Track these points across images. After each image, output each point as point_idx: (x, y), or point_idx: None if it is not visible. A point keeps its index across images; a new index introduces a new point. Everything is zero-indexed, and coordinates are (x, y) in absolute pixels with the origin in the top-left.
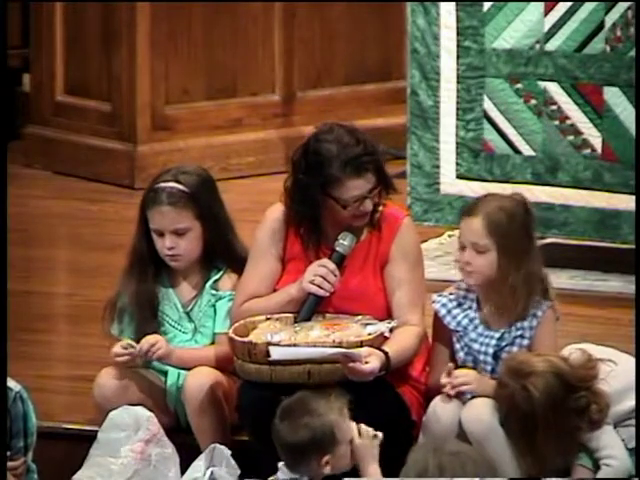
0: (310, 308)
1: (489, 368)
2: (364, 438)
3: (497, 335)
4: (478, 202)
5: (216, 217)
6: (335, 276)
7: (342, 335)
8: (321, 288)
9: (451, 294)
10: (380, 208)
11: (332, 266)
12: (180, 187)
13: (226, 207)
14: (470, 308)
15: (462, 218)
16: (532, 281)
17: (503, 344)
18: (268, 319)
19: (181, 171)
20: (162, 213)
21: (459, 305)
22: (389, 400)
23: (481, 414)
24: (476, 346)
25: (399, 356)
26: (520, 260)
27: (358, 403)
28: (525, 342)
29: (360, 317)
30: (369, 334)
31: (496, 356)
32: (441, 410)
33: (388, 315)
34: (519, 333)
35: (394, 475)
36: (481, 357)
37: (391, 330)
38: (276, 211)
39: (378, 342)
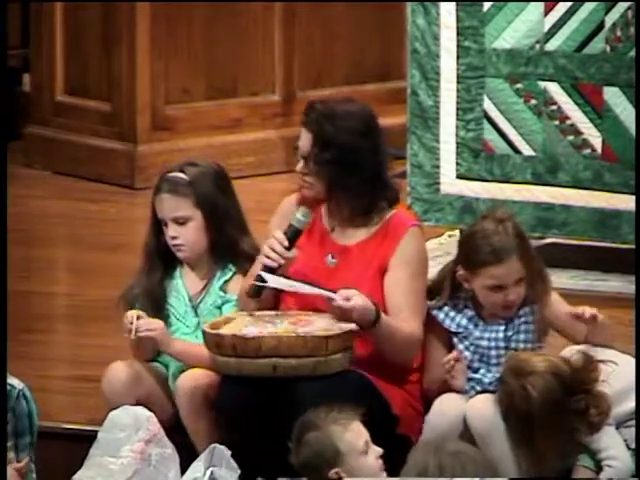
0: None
1: (503, 361)
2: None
3: (502, 327)
4: (497, 240)
5: (216, 207)
6: (287, 248)
7: (308, 329)
8: (268, 258)
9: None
10: (388, 209)
11: (280, 236)
12: (181, 175)
13: (238, 204)
14: (466, 307)
15: (494, 264)
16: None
17: (510, 334)
18: (250, 315)
19: (189, 163)
20: (162, 201)
21: (454, 306)
22: (364, 392)
23: (484, 410)
24: (484, 343)
25: (388, 328)
26: (538, 263)
27: (331, 395)
28: (531, 327)
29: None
30: (339, 329)
31: (507, 348)
32: (446, 407)
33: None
34: (523, 320)
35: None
36: (493, 352)
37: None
38: (289, 200)
39: (346, 338)
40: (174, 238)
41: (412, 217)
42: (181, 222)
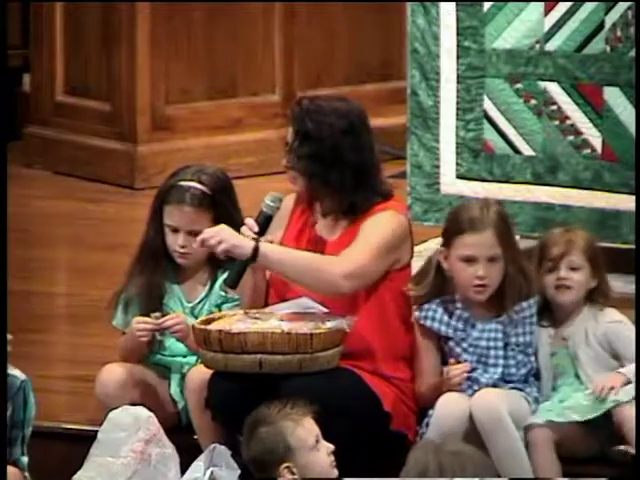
0: (237, 269)
1: (500, 362)
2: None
3: (500, 327)
4: (476, 212)
5: (231, 222)
6: (257, 234)
7: (294, 326)
8: None
9: (431, 303)
10: (373, 200)
11: (250, 222)
12: (203, 189)
13: (240, 209)
14: (457, 309)
15: (468, 232)
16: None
17: (508, 330)
18: (245, 313)
19: (204, 172)
20: (182, 212)
21: (445, 310)
22: (354, 389)
23: (490, 404)
24: (484, 343)
25: (279, 254)
26: (515, 251)
27: (321, 391)
28: (528, 321)
29: (328, 312)
30: (326, 327)
31: (507, 345)
32: (451, 406)
33: (368, 310)
34: (521, 315)
35: (379, 467)
36: (492, 352)
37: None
38: (288, 198)
39: (332, 336)
40: (183, 247)
41: (395, 205)
42: (195, 233)
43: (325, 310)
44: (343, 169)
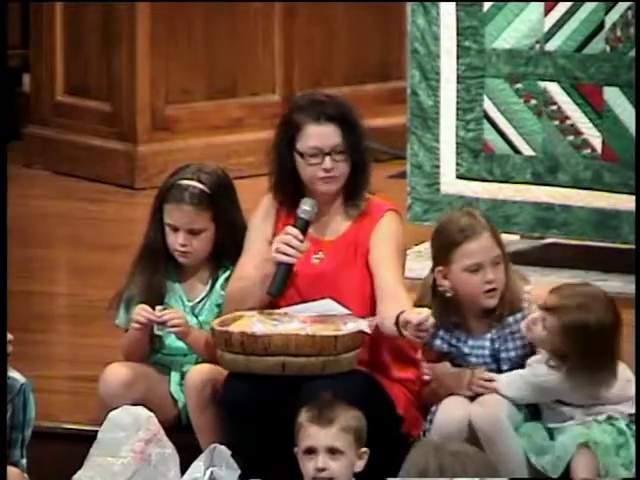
0: (281, 278)
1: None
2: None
3: (487, 343)
4: (465, 221)
5: (231, 220)
6: (301, 241)
7: (317, 329)
8: (285, 254)
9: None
10: (367, 196)
11: (294, 231)
12: (203, 188)
13: (240, 207)
14: (455, 327)
15: (466, 242)
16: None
17: (497, 346)
18: (260, 313)
19: (203, 171)
20: (182, 211)
21: (445, 328)
22: (370, 391)
23: (490, 410)
24: (474, 360)
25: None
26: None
27: (338, 394)
28: (518, 335)
29: (349, 314)
30: (348, 329)
31: (498, 360)
32: (452, 409)
33: (374, 307)
34: (508, 331)
35: (389, 470)
36: (484, 367)
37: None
38: (268, 198)
39: (355, 338)
40: (183, 246)
41: (389, 203)
42: (195, 232)
43: (346, 312)
44: (370, 155)
